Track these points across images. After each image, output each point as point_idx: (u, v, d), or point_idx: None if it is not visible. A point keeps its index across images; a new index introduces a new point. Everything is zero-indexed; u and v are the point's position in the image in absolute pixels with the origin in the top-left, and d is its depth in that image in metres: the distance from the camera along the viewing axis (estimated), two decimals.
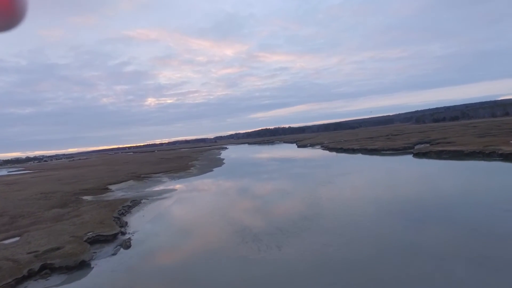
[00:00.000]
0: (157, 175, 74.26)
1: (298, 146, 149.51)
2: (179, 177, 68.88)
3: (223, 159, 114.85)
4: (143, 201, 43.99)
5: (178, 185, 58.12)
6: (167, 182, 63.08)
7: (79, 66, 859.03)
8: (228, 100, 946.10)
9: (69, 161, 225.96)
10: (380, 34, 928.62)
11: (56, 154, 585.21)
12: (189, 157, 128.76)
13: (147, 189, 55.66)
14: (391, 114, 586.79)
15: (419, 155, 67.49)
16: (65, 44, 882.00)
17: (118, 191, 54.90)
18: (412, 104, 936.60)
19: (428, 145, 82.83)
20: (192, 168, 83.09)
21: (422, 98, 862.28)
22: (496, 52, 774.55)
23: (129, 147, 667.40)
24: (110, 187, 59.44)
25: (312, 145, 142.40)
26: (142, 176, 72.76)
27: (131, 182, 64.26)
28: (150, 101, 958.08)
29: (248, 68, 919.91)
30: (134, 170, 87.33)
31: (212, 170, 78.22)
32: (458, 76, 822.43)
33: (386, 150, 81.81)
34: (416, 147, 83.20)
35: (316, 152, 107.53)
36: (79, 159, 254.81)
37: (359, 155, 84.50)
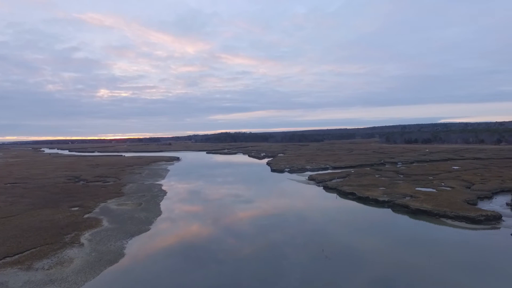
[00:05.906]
0: None
1: (272, 170, 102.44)
2: None
3: (158, 216, 62.17)
4: None
5: None
6: None
7: (19, 46, 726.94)
8: (188, 100, 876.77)
9: None
10: (341, 48, 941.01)
11: None
12: (98, 196, 73.37)
13: None
14: (348, 127, 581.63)
15: None
16: (2, 19, 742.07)
17: None
18: (366, 119, 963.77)
19: None
20: None
21: (375, 114, 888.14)
22: (441, 78, 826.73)
23: (72, 141, 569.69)
24: None
25: (292, 171, 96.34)
26: None
27: None
28: (103, 92, 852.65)
29: (209, 68, 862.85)
30: None
31: None
32: (407, 96, 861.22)
33: (452, 218, 37.90)
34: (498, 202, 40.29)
35: (326, 205, 60.96)
36: None
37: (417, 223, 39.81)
